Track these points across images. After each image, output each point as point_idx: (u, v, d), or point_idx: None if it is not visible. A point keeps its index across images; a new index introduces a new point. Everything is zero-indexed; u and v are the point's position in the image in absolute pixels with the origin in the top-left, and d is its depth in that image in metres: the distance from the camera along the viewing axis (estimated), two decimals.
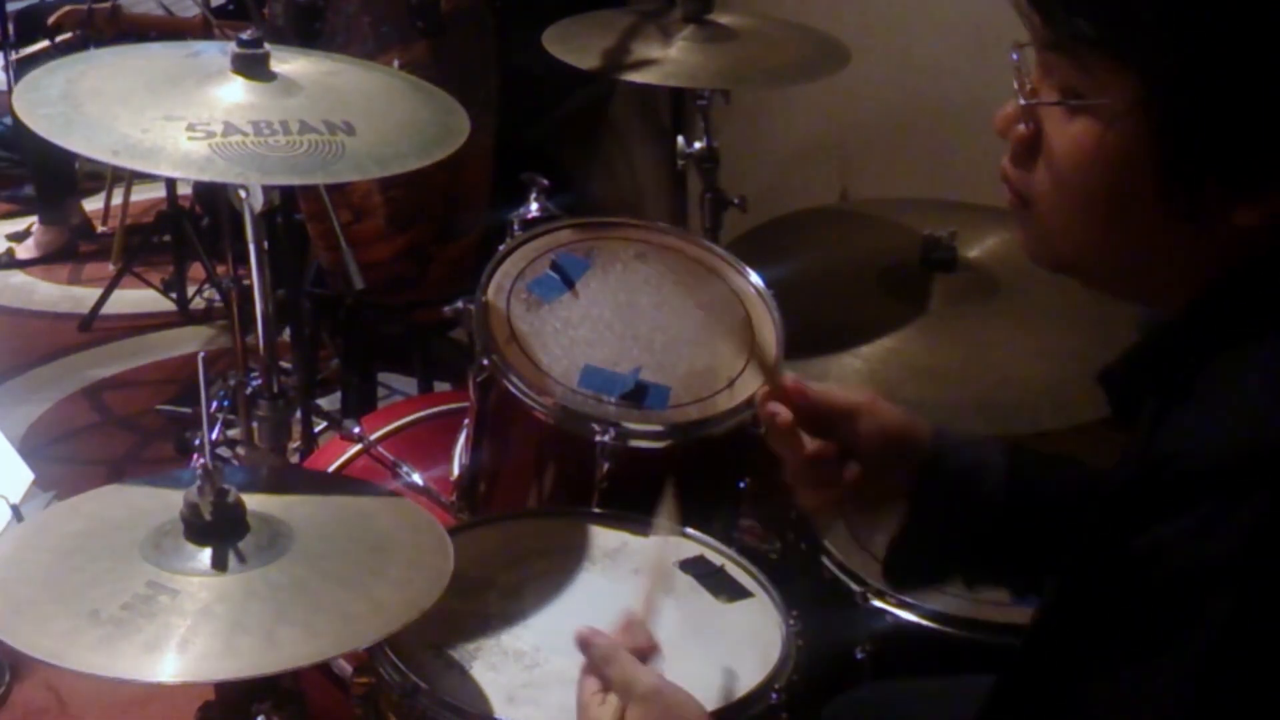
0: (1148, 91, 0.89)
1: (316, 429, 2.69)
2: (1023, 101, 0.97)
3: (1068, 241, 0.98)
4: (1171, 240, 0.92)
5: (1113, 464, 1.15)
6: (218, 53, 1.66)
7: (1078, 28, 0.91)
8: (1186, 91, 0.87)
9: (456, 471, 1.89)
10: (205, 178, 1.49)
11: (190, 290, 3.73)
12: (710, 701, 1.34)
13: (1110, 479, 0.98)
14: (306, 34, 2.40)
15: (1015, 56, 0.98)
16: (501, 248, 1.84)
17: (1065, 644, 0.97)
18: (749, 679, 1.37)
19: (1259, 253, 0.91)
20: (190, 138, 1.50)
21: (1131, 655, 0.88)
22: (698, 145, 2.28)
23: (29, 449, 2.87)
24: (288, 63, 1.68)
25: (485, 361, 1.70)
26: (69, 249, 4.18)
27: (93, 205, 4.33)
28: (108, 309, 3.74)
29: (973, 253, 1.98)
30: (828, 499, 1.26)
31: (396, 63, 2.48)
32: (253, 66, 1.62)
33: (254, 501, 1.36)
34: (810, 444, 1.23)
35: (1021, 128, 0.98)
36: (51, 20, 3.42)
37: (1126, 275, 0.98)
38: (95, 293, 3.76)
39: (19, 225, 4.29)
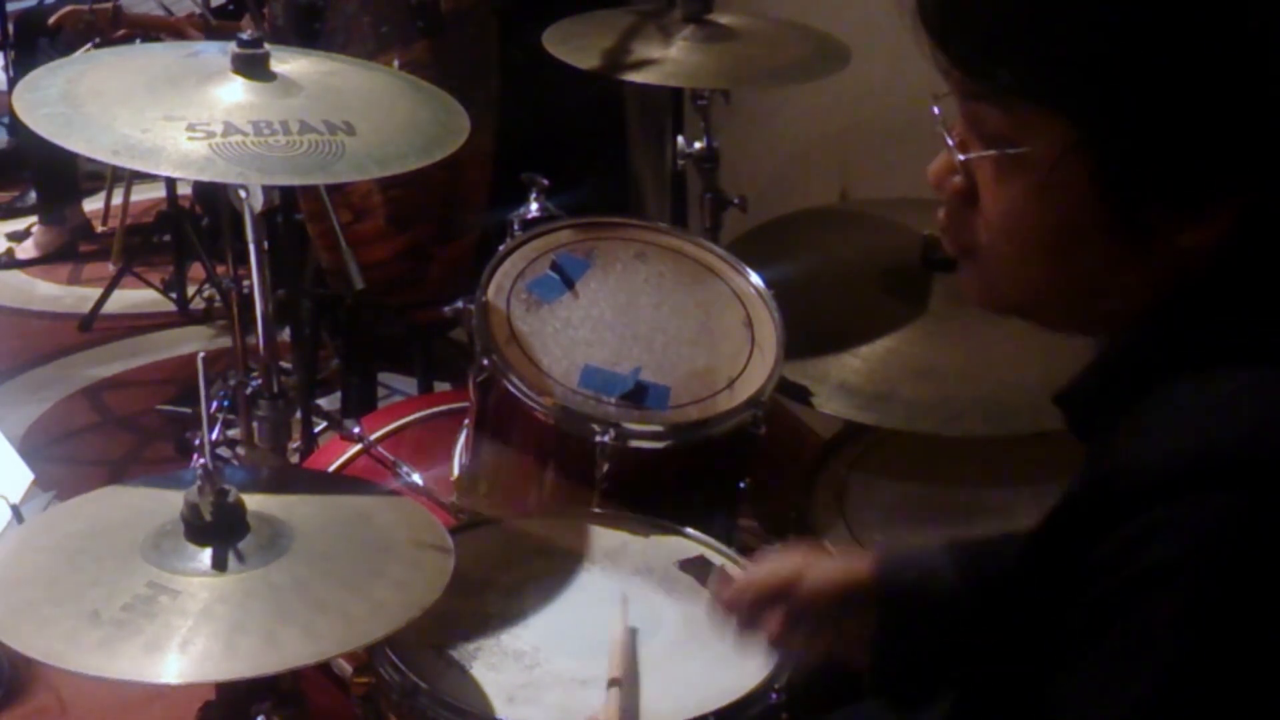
0: (1080, 131, 0.88)
1: (316, 429, 2.69)
2: (961, 157, 0.97)
3: (1016, 286, 0.99)
4: (1121, 269, 0.93)
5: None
6: (218, 52, 1.66)
7: (1001, 78, 0.90)
8: (1117, 126, 0.87)
9: (456, 471, 1.89)
10: (205, 178, 1.49)
11: (190, 290, 3.73)
12: (710, 702, 1.34)
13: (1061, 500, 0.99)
14: (306, 34, 2.40)
15: (937, 111, 0.98)
16: (501, 248, 1.84)
17: (1022, 660, 0.98)
18: (749, 679, 1.37)
19: (1199, 272, 0.91)
20: (190, 138, 1.50)
21: (1091, 662, 0.88)
22: (698, 145, 2.29)
23: (29, 449, 2.87)
24: (288, 63, 1.68)
25: (485, 361, 1.70)
26: (69, 249, 4.17)
27: (93, 205, 4.32)
28: (108, 309, 3.73)
29: None
30: (809, 655, 1.35)
31: (396, 63, 2.48)
32: (253, 66, 1.62)
33: (254, 501, 1.36)
34: (770, 628, 1.30)
35: (957, 179, 0.98)
36: (52, 20, 3.41)
37: (1076, 310, 0.99)
38: (95, 293, 3.76)
39: (19, 225, 4.29)
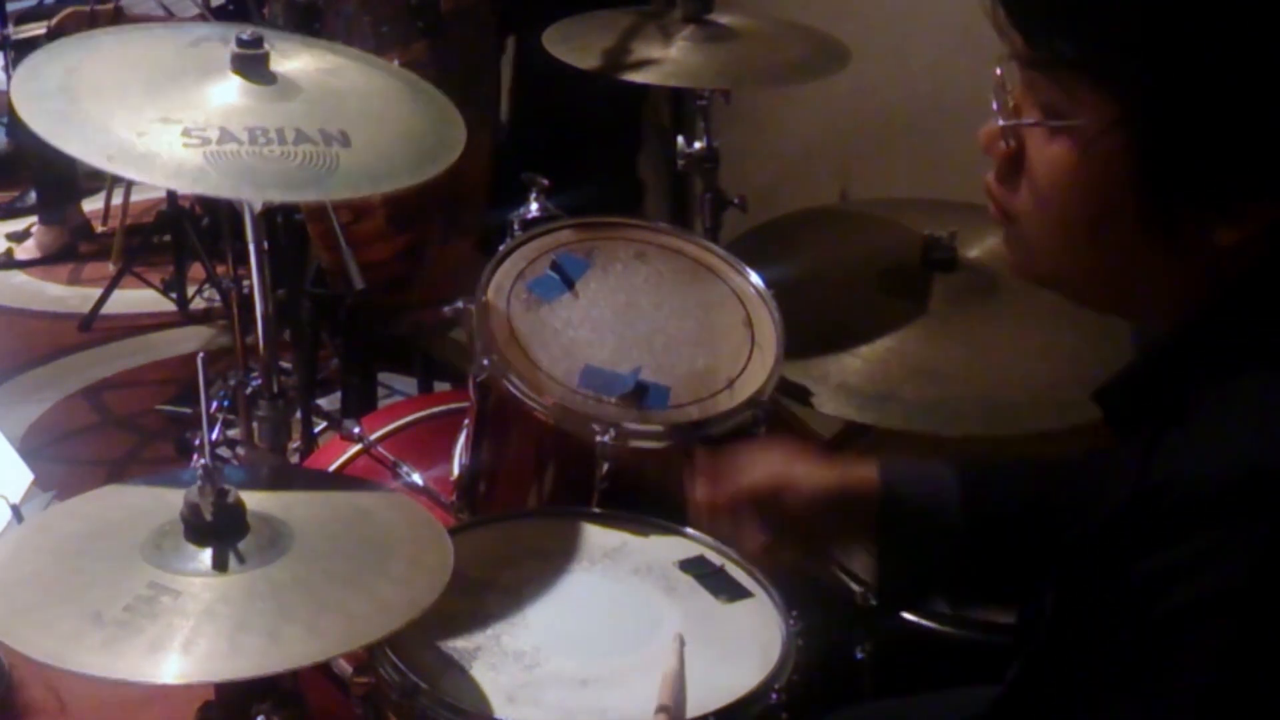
0: (1127, 113, 0.89)
1: (316, 429, 2.69)
2: (1002, 123, 0.98)
3: (1050, 258, 0.99)
4: (1152, 258, 0.93)
5: (1086, 460, 1.16)
6: (218, 41, 1.64)
7: (1058, 49, 0.91)
8: (1165, 113, 0.88)
9: (456, 471, 1.89)
10: (199, 190, 1.48)
11: (190, 290, 3.74)
12: (710, 702, 1.34)
13: (1105, 502, 0.98)
14: (306, 34, 2.40)
15: (999, 72, 0.98)
16: (501, 248, 1.83)
17: (1065, 675, 0.98)
18: (749, 679, 1.37)
19: (1243, 271, 0.91)
20: (185, 144, 1.49)
21: (1133, 686, 0.88)
22: (698, 145, 2.29)
23: (29, 449, 2.87)
24: (288, 57, 1.67)
25: (485, 361, 1.70)
26: (69, 249, 4.18)
27: (93, 205, 4.33)
28: (108, 309, 3.74)
29: (973, 253, 1.98)
30: (792, 561, 1.34)
31: (396, 63, 2.47)
32: (252, 66, 1.61)
33: (254, 501, 1.36)
34: (751, 540, 1.31)
35: (1004, 145, 0.99)
36: (54, 22, 3.42)
37: (1109, 292, 1.00)
38: (95, 293, 3.76)
39: (19, 225, 4.29)
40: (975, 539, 1.24)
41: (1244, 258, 0.90)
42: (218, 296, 3.57)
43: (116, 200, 4.17)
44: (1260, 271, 0.91)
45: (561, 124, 3.14)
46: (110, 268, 3.92)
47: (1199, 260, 0.92)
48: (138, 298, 3.80)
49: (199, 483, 1.30)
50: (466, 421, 1.83)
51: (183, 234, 3.61)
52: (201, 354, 1.42)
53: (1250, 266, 0.91)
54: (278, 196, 1.64)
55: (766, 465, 1.32)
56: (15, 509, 1.94)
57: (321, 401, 2.93)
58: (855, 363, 1.84)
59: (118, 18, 3.32)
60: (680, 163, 2.31)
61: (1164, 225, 0.91)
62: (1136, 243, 0.93)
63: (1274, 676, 0.83)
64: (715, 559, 1.56)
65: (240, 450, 2.13)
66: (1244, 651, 0.83)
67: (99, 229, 4.30)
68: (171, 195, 3.65)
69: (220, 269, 3.49)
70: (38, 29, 3.51)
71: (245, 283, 1.82)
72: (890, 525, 1.26)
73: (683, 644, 1.40)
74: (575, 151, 3.19)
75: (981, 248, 1.99)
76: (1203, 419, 0.90)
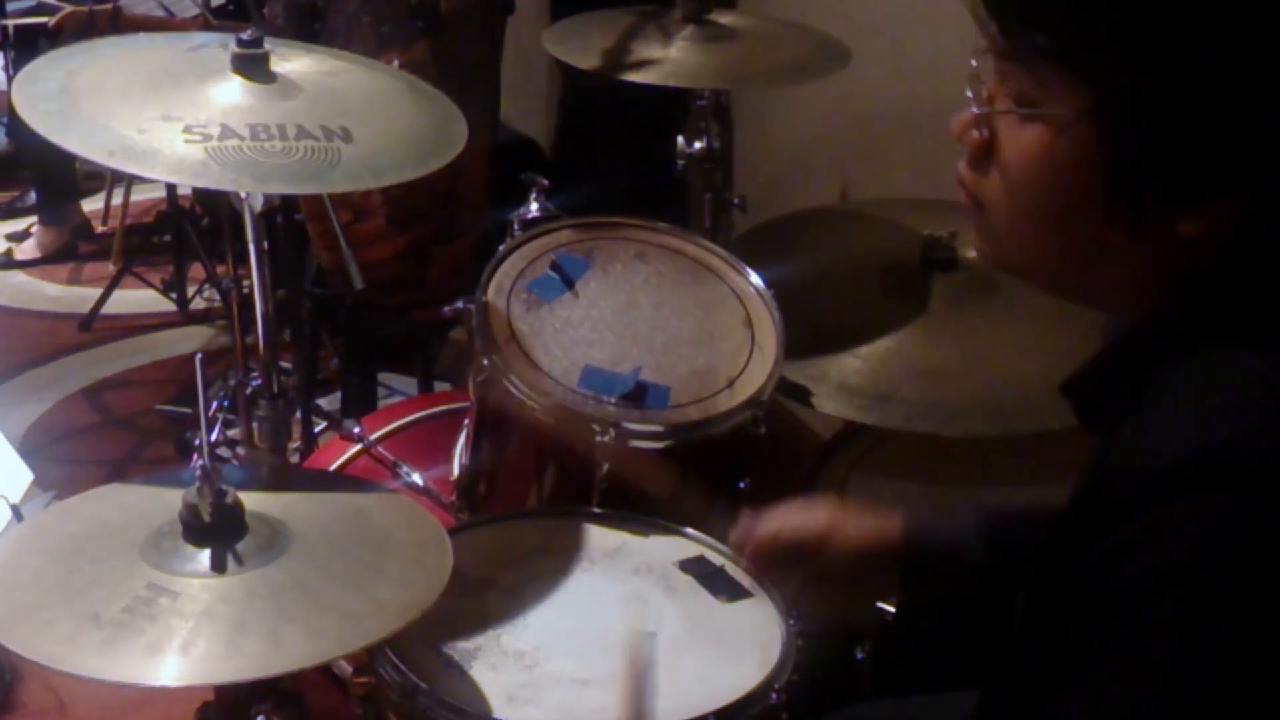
0: (1098, 102, 0.91)
1: (316, 429, 2.69)
2: (976, 110, 0.99)
3: (1017, 245, 1.01)
4: (1117, 248, 0.95)
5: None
6: (218, 47, 1.65)
7: (1033, 40, 0.93)
8: (1134, 105, 0.89)
9: (456, 471, 1.89)
10: (200, 183, 1.48)
11: (190, 290, 3.73)
12: (710, 702, 1.34)
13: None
14: (306, 34, 2.40)
15: (974, 63, 0.99)
16: (501, 248, 1.84)
17: (1033, 658, 0.99)
18: (749, 679, 1.37)
19: (1205, 264, 0.93)
20: (187, 140, 1.49)
21: (1092, 665, 0.89)
22: (698, 145, 2.28)
23: (29, 449, 2.87)
24: (288, 60, 1.67)
25: (485, 361, 1.70)
26: (69, 249, 4.17)
27: (93, 205, 4.32)
28: (108, 309, 3.73)
29: (973, 253, 1.98)
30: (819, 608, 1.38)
31: (396, 63, 2.48)
32: (252, 66, 1.62)
33: (253, 501, 1.36)
34: (788, 585, 1.37)
35: (976, 134, 1.00)
36: (52, 23, 3.42)
37: (1074, 280, 1.01)
38: (95, 293, 3.76)
39: (19, 225, 4.29)
40: (998, 575, 1.25)
41: (1205, 249, 0.92)
42: (218, 296, 3.56)
43: (116, 200, 4.16)
44: (1224, 262, 0.92)
45: (603, 125, 3.13)
46: (110, 268, 3.92)
47: (1162, 250, 0.93)
48: (138, 298, 3.79)
49: (198, 483, 1.30)
50: (466, 421, 1.83)
51: (183, 234, 3.61)
52: (200, 354, 1.42)
53: (1210, 258, 0.92)
54: (280, 189, 1.64)
55: (811, 516, 1.38)
56: (15, 509, 1.94)
57: (321, 401, 2.93)
58: (855, 363, 1.84)
59: (116, 18, 3.32)
60: (680, 163, 2.30)
61: (1128, 215, 0.93)
62: (1101, 231, 0.94)
63: (1223, 648, 0.84)
64: (715, 559, 1.56)
65: (240, 450, 2.13)
66: (1192, 625, 0.84)
67: (99, 229, 4.29)
68: (171, 195, 3.64)
69: (220, 269, 3.48)
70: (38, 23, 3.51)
71: (245, 283, 1.82)
72: (913, 568, 1.29)
73: (651, 642, 1.41)
74: (617, 152, 3.18)
75: None
76: (1151, 405, 0.91)
